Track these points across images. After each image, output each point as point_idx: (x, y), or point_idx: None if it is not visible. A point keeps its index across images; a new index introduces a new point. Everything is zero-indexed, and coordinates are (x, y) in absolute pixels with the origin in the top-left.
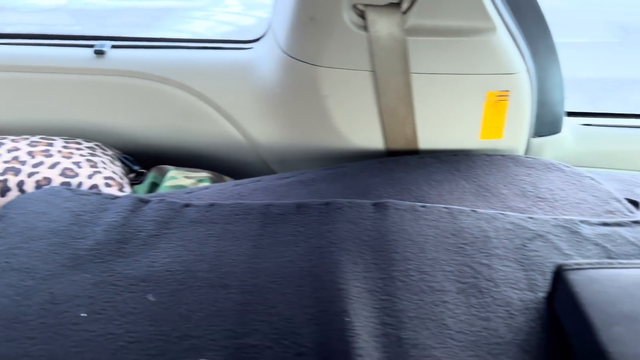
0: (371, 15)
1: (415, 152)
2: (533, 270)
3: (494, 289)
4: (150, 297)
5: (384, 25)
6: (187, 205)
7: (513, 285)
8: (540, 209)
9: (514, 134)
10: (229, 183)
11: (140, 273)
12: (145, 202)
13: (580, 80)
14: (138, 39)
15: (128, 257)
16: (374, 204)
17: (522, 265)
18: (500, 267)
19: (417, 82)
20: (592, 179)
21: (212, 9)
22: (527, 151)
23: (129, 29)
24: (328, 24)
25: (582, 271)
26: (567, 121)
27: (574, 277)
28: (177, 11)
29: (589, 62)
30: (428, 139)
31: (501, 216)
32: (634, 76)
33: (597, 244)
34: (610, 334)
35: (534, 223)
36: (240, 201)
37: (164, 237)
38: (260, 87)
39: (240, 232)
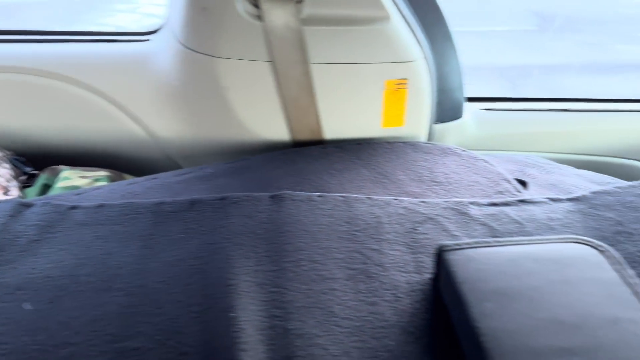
0: (265, 5)
1: (321, 143)
2: (421, 252)
3: (383, 273)
4: (27, 306)
5: (279, 14)
6: (74, 208)
7: (401, 269)
8: (434, 192)
9: (415, 121)
10: (124, 182)
11: (17, 281)
12: (27, 206)
13: (501, 67)
14: (25, 33)
15: (4, 265)
16: (271, 197)
17: (410, 249)
18: (389, 252)
19: (316, 72)
20: (486, 162)
21: (138, 1)
22: (430, 137)
23: (47, 24)
24: (221, 13)
25: (461, 251)
26: (468, 107)
27: (453, 257)
28: (101, 4)
29: (509, 49)
30: (332, 129)
31: (395, 202)
32: (551, 62)
33: (484, 224)
34: (481, 310)
35: (426, 207)
36: (131, 200)
37: (46, 242)
38: (160, 80)
39: (129, 233)
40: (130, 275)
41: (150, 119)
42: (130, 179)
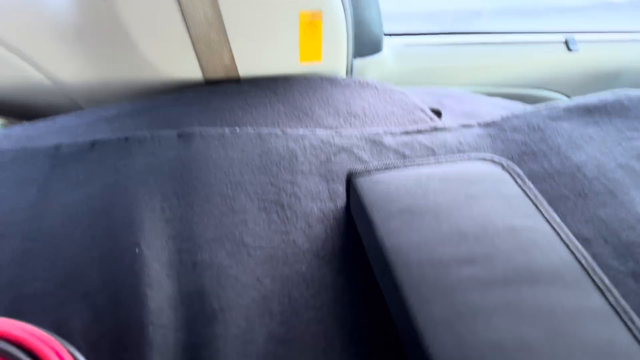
0: None
1: (237, 81)
2: (335, 181)
3: (296, 203)
4: None
5: None
6: None
7: (315, 198)
8: (351, 125)
9: (333, 55)
10: (18, 127)
11: None
12: None
13: (433, 12)
14: None
15: None
16: (179, 134)
17: (325, 179)
18: (303, 183)
19: (224, 5)
20: (402, 93)
21: None
22: (350, 73)
23: None
24: None
25: (369, 175)
26: (389, 42)
27: (361, 181)
28: None
29: None
30: (247, 66)
31: (310, 134)
32: (480, 6)
33: (396, 152)
34: (388, 228)
35: (341, 138)
36: (25, 145)
37: None
38: (56, 19)
39: (23, 179)
40: (26, 220)
41: (50, 62)
42: None
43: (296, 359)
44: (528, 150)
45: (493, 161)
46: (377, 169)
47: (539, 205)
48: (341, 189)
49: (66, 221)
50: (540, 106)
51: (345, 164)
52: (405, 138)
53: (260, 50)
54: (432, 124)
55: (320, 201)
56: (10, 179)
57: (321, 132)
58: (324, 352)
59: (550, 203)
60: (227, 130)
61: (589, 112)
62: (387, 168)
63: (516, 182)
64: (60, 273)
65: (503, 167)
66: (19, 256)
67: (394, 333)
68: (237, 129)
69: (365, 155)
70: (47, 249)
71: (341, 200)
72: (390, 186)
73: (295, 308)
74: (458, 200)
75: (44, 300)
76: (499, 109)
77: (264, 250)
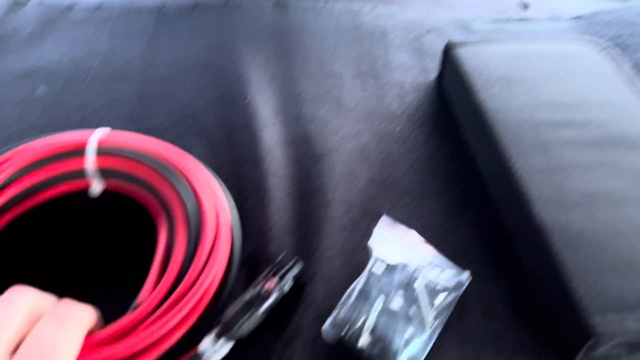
0: None
1: None
2: (425, 57)
3: (389, 74)
4: (42, 90)
5: None
6: (70, 8)
7: (406, 71)
8: (440, 9)
9: None
10: None
11: (24, 67)
12: (21, 4)
13: None
14: None
15: (9, 55)
16: (275, 3)
17: (415, 54)
18: (395, 57)
19: None
20: None
21: None
22: None
23: None
24: None
25: (467, 47)
26: None
27: (459, 51)
28: None
29: None
30: None
31: (400, 14)
32: None
33: (485, 37)
34: (488, 92)
35: (430, 19)
36: (131, 2)
37: (48, 36)
38: None
39: (132, 31)
40: (139, 68)
41: None
42: None
43: (393, 200)
44: (620, 43)
45: (591, 42)
46: (475, 42)
47: (634, 84)
48: (431, 64)
49: (176, 72)
50: (633, 4)
51: (434, 43)
52: (494, 25)
53: None
54: (521, 15)
55: (411, 74)
56: (121, 31)
57: (411, 13)
58: (419, 197)
59: None
60: (320, 2)
61: None
62: (485, 41)
63: (612, 62)
64: (176, 113)
65: (601, 48)
66: (138, 97)
67: (484, 185)
68: (330, 3)
69: (454, 37)
70: (162, 93)
71: (431, 75)
72: (489, 57)
73: (392, 160)
74: (555, 73)
75: (164, 134)
76: (589, 4)
77: (360, 111)
